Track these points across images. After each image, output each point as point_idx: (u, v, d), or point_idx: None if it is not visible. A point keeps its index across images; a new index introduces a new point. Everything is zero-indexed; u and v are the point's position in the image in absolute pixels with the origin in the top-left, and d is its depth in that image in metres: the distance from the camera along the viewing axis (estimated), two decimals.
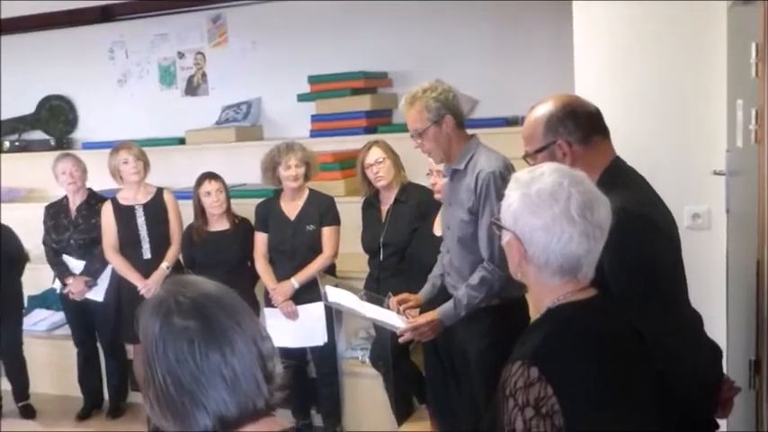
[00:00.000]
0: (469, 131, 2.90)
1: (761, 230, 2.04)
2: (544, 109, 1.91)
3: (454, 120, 2.77)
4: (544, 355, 1.34)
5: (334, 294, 3.13)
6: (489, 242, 2.70)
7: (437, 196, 3.27)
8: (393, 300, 3.00)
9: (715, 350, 1.88)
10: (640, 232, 1.74)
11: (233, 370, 1.12)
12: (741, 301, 2.38)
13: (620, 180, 1.86)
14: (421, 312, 2.95)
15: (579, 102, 1.95)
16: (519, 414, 1.31)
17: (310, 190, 4.03)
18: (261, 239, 4.05)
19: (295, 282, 3.90)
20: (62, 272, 4.45)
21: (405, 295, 3.02)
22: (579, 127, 1.87)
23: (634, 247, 1.72)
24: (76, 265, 4.44)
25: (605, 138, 1.94)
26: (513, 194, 1.44)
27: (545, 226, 1.38)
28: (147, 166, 4.31)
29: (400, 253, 3.70)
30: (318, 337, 3.95)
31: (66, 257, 4.47)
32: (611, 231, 1.63)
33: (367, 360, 4.05)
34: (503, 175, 2.70)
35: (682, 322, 1.78)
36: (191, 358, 1.11)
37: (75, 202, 4.51)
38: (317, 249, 3.94)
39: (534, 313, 1.50)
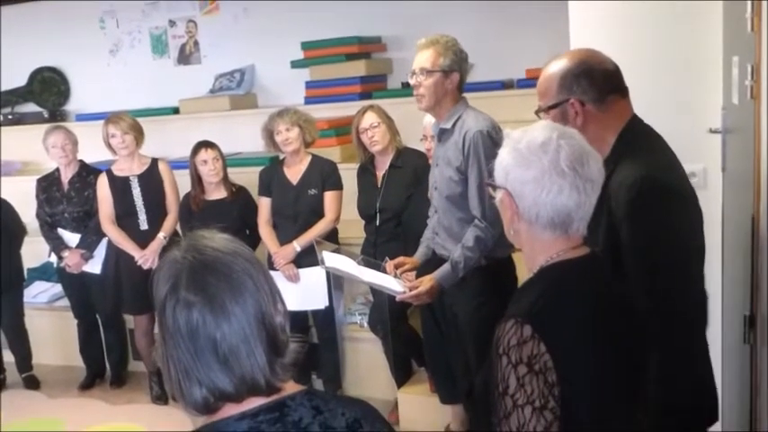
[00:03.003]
0: (464, 95, 2.91)
1: (756, 186, 2.04)
2: (560, 65, 1.84)
3: (459, 80, 2.82)
4: (537, 313, 1.35)
5: (332, 260, 3.13)
6: (480, 200, 2.72)
7: (432, 161, 3.26)
8: (390, 264, 3.02)
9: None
10: (669, 204, 1.69)
11: (229, 347, 1.11)
12: (736, 257, 2.39)
13: (640, 143, 1.80)
14: (417, 275, 2.96)
15: (597, 58, 1.85)
16: (512, 371, 1.31)
17: (313, 155, 4.03)
18: (264, 204, 4.05)
19: (297, 245, 3.90)
20: (57, 245, 4.45)
21: (401, 259, 3.04)
22: (594, 86, 1.80)
23: (663, 219, 1.67)
24: (71, 237, 4.44)
25: (623, 97, 1.85)
26: (504, 151, 1.45)
27: (535, 178, 1.38)
28: (139, 137, 4.27)
29: (396, 218, 3.70)
30: (320, 301, 3.96)
31: (60, 231, 4.46)
32: (634, 201, 1.59)
33: (366, 325, 4.07)
34: (490, 135, 2.74)
35: (698, 301, 1.75)
36: (187, 332, 1.11)
37: (66, 174, 4.48)
38: (319, 213, 3.94)
39: (527, 274, 1.50)
